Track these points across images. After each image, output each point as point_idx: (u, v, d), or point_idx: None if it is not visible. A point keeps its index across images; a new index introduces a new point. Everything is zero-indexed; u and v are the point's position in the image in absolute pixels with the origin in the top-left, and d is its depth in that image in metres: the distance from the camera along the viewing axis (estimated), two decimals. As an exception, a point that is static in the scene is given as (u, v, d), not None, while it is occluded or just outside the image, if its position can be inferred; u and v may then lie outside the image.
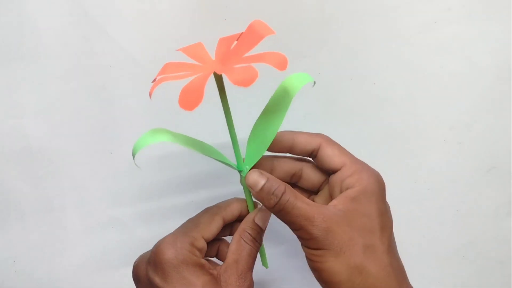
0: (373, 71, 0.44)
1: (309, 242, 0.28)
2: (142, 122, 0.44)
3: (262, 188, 0.29)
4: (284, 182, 0.33)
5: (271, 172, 0.33)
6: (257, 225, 0.32)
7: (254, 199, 0.34)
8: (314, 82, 0.31)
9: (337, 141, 0.44)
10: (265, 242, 0.35)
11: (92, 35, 0.42)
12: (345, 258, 0.27)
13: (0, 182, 0.45)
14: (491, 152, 0.45)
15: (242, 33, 0.28)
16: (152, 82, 0.27)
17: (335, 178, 0.31)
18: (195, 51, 0.30)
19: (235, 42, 0.28)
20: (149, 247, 0.32)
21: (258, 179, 0.29)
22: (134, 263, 0.32)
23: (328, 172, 0.32)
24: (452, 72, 0.44)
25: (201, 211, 0.33)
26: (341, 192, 0.30)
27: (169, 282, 0.29)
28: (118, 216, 0.45)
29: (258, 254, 0.33)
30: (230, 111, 0.30)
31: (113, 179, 0.45)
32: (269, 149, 0.32)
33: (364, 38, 0.43)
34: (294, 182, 0.34)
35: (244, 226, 0.32)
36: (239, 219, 0.34)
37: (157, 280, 0.29)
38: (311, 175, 0.33)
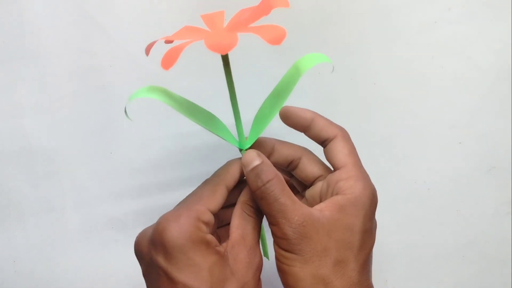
0: (373, 71, 0.44)
1: (281, 241, 0.27)
2: (142, 122, 0.44)
3: (252, 169, 0.28)
4: (281, 168, 0.32)
5: (270, 154, 0.32)
6: (257, 194, 0.30)
7: None
8: (333, 67, 0.31)
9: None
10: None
11: (92, 35, 0.42)
12: (313, 267, 0.26)
13: (0, 182, 0.45)
14: (491, 152, 0.45)
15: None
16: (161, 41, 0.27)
17: (332, 177, 0.30)
18: (213, 18, 0.29)
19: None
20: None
21: (253, 159, 0.28)
22: (136, 239, 0.30)
23: (329, 168, 0.32)
24: (452, 72, 0.44)
25: (201, 184, 0.31)
26: (332, 194, 0.29)
27: (174, 263, 0.26)
28: (118, 216, 0.45)
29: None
30: (234, 86, 0.29)
31: (113, 179, 0.45)
32: (290, 124, 0.31)
33: (364, 38, 0.43)
34: (290, 170, 0.33)
35: (244, 198, 0.30)
36: (241, 180, 0.32)
37: (160, 260, 0.26)
38: (307, 167, 0.32)
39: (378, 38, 0.43)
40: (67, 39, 0.42)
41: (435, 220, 0.46)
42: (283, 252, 0.27)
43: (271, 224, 0.28)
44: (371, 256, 0.30)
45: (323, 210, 0.28)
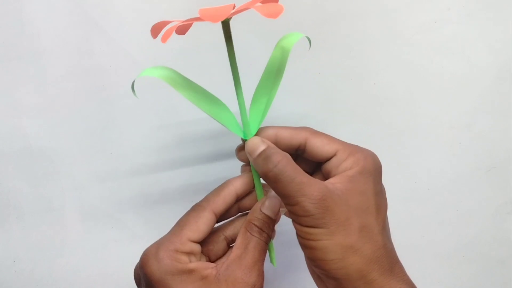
0: (373, 71, 0.44)
1: (304, 219, 0.27)
2: (142, 122, 0.44)
3: (259, 154, 0.28)
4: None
5: (275, 143, 0.31)
6: (265, 215, 0.30)
7: (262, 182, 0.32)
8: (309, 40, 0.31)
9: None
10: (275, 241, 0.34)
11: (92, 35, 0.42)
12: (340, 237, 0.26)
13: (0, 182, 0.45)
14: (491, 152, 0.45)
15: None
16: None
17: (330, 164, 0.30)
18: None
19: None
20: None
21: (258, 145, 0.28)
22: (135, 266, 0.31)
23: (320, 163, 0.31)
24: (452, 72, 0.44)
25: (188, 210, 0.31)
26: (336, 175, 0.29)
27: None
28: (118, 216, 0.45)
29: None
30: (236, 65, 0.29)
31: (113, 179, 0.45)
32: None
33: (364, 38, 0.43)
34: (300, 154, 0.32)
35: (250, 217, 0.30)
36: (240, 198, 0.32)
37: None
38: (317, 149, 0.30)
39: (378, 38, 0.43)
40: (67, 39, 0.42)
41: (435, 220, 0.46)
42: (307, 229, 0.27)
43: (289, 205, 0.27)
44: (388, 220, 0.30)
45: (334, 183, 0.28)
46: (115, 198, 0.45)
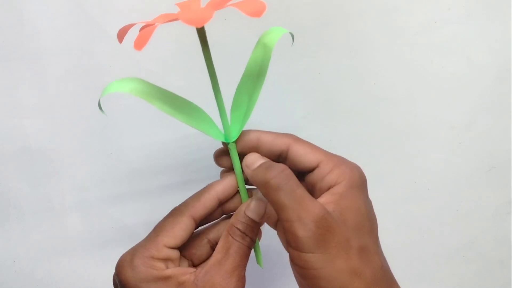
0: (373, 71, 0.44)
1: (302, 241, 0.24)
2: (142, 122, 0.44)
3: (260, 165, 0.27)
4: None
5: (256, 149, 0.29)
6: (250, 219, 0.29)
7: (248, 187, 0.31)
8: (292, 36, 0.29)
9: (337, 141, 0.44)
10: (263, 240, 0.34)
11: (92, 35, 0.42)
12: (342, 262, 0.25)
13: (0, 182, 0.45)
14: (491, 152, 0.45)
15: None
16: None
17: (313, 176, 0.28)
18: (189, 3, 0.27)
19: None
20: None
21: (257, 159, 0.27)
22: (113, 274, 0.30)
23: (302, 173, 0.29)
24: (452, 72, 0.44)
25: (168, 213, 0.30)
26: (322, 190, 0.28)
27: None
28: (118, 216, 0.45)
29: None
30: (214, 70, 0.28)
31: (113, 179, 0.45)
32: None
33: (364, 38, 0.43)
34: (282, 161, 0.30)
35: (234, 220, 0.29)
36: (222, 202, 0.30)
37: None
38: (299, 158, 0.29)
39: (378, 38, 0.43)
40: (67, 39, 0.42)
41: (435, 220, 0.46)
42: (305, 256, 0.25)
43: (288, 220, 0.25)
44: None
45: (327, 203, 0.26)
46: (115, 198, 0.45)
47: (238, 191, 0.31)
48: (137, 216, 0.46)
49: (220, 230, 0.31)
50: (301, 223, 0.25)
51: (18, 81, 0.43)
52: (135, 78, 0.27)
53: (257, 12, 0.22)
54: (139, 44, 0.22)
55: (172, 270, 0.27)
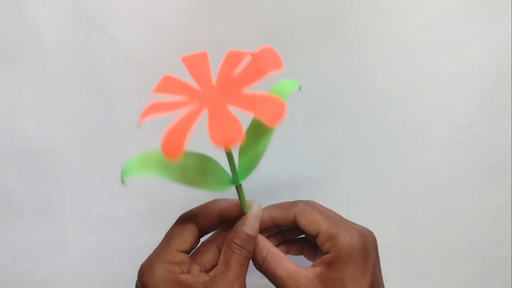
0: (373, 71, 0.44)
1: None
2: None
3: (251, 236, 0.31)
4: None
5: (272, 223, 0.34)
6: (246, 233, 0.32)
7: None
8: (300, 87, 0.30)
9: (337, 141, 0.44)
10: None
11: (92, 35, 0.42)
12: None
13: (0, 182, 0.45)
14: (491, 152, 0.45)
15: (252, 53, 0.26)
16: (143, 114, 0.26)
17: (317, 240, 0.32)
18: (198, 64, 0.27)
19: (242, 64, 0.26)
20: (149, 247, 0.32)
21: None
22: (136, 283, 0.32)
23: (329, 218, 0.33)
24: (452, 72, 0.44)
25: (175, 222, 0.33)
26: (322, 254, 0.32)
27: None
28: (118, 216, 0.45)
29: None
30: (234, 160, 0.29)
31: (113, 179, 0.45)
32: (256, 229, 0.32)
33: (364, 38, 0.43)
34: (290, 228, 0.35)
35: (231, 235, 0.32)
36: (223, 218, 0.33)
37: None
38: (305, 227, 0.33)
39: (378, 38, 0.43)
40: (67, 39, 0.42)
41: (435, 220, 0.46)
42: None
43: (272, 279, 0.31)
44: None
45: (314, 269, 0.31)
46: (115, 198, 0.45)
47: (240, 212, 0.33)
48: (137, 216, 0.46)
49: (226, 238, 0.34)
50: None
51: (18, 81, 0.43)
52: (154, 155, 0.29)
53: (274, 120, 0.21)
54: (172, 152, 0.22)
55: (186, 276, 0.30)
